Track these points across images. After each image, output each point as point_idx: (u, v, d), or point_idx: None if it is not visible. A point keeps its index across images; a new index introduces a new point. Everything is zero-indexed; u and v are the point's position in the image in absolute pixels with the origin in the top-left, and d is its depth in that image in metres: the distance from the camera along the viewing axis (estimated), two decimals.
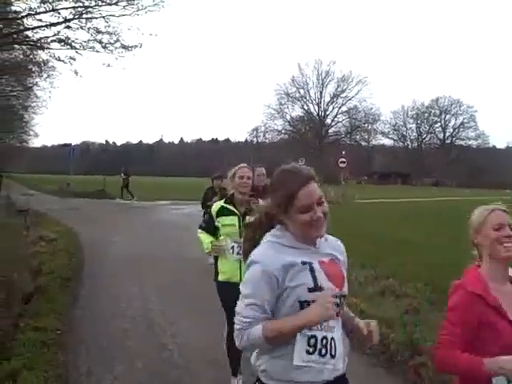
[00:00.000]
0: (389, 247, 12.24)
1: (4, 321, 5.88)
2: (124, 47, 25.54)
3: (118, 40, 25.26)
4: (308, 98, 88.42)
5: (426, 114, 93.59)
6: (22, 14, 24.95)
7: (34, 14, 24.31)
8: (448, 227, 16.79)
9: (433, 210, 25.87)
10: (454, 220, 19.34)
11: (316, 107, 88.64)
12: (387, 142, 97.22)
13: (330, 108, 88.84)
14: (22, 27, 25.76)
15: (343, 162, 34.88)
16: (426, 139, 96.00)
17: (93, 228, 15.97)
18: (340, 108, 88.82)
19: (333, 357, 2.13)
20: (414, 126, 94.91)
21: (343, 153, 38.41)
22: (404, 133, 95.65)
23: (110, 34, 25.15)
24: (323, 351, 2.11)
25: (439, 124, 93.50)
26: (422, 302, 7.33)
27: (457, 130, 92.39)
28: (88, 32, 25.13)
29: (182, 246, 13.38)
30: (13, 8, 25.86)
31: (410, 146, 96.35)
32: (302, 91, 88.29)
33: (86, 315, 6.89)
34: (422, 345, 5.46)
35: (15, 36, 26.56)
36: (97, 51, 25.69)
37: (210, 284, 9.01)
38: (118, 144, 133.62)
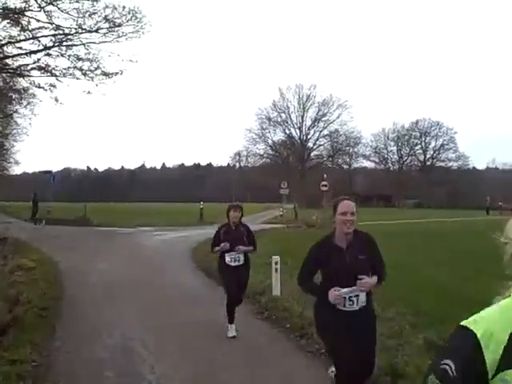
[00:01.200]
0: None
1: None
2: (105, 74, 25.58)
3: (98, 67, 25.33)
4: (289, 122, 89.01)
5: (407, 137, 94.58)
6: (2, 42, 24.93)
7: (14, 42, 24.31)
8: (431, 249, 16.88)
9: (415, 231, 25.98)
10: (436, 242, 19.52)
11: (297, 131, 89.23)
12: (369, 164, 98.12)
13: (312, 132, 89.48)
14: (1, 55, 25.71)
15: (325, 186, 35.02)
16: (407, 161, 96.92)
17: (73, 256, 15.78)
18: (321, 132, 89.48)
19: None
20: (394, 148, 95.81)
21: (325, 176, 38.59)
22: (385, 155, 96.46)
23: (90, 61, 25.21)
24: None
25: (420, 146, 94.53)
26: (403, 325, 7.31)
27: (437, 152, 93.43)
28: (68, 59, 25.14)
29: (165, 273, 13.31)
30: None
31: (391, 169, 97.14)
32: (283, 115, 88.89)
33: (64, 346, 6.75)
34: (403, 369, 5.44)
35: None
36: (77, 78, 25.70)
37: (193, 312, 8.96)
38: (100, 170, 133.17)
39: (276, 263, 9.65)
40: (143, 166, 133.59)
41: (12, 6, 22.67)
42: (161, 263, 15.03)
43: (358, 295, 4.27)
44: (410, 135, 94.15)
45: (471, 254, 15.32)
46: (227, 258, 7.54)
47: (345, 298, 4.19)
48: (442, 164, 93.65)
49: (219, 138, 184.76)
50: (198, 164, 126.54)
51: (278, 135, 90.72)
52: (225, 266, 7.59)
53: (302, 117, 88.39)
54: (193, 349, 6.77)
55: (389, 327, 7.19)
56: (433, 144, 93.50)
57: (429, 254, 15.76)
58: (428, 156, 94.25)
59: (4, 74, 29.37)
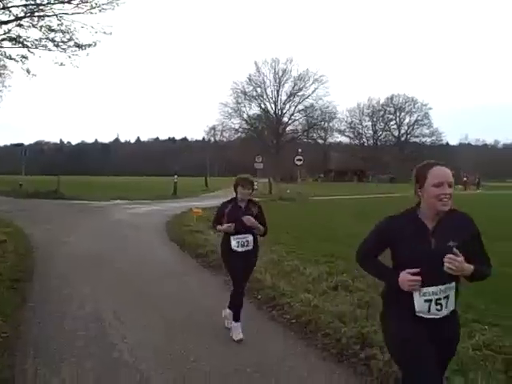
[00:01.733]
0: (343, 243, 12.36)
1: None
2: (78, 46, 25.28)
3: (71, 39, 25.01)
4: (265, 96, 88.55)
5: (382, 112, 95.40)
6: None
7: None
8: None
9: (387, 205, 26.27)
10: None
11: (273, 105, 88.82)
12: (343, 139, 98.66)
13: (287, 106, 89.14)
14: None
15: (300, 160, 35.13)
16: (382, 137, 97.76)
17: (46, 229, 15.67)
18: (297, 106, 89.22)
19: None
20: (369, 123, 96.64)
21: (299, 151, 38.68)
22: (360, 130, 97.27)
23: (63, 32, 24.86)
24: None
25: (394, 122, 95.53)
26: (373, 296, 7.42)
27: (411, 128, 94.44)
28: (40, 30, 24.75)
29: (138, 246, 13.28)
30: None
31: (366, 144, 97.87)
32: (258, 90, 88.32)
33: (35, 317, 6.71)
34: (371, 338, 5.54)
35: None
36: (49, 50, 25.35)
37: (166, 283, 8.98)
38: (73, 143, 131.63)
39: None
40: (117, 139, 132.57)
41: None
42: (134, 235, 15.00)
43: (447, 295, 3.17)
44: (385, 110, 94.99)
45: None
46: (233, 243, 6.23)
47: (430, 300, 3.12)
48: (417, 140, 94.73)
49: (194, 112, 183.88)
50: (173, 138, 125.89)
51: (254, 110, 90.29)
52: (230, 253, 6.28)
53: (278, 91, 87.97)
54: (166, 320, 6.80)
55: (359, 297, 7.33)
56: (407, 120, 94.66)
57: None
58: (402, 131, 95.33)
59: None
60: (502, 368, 4.81)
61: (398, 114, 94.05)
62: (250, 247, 6.28)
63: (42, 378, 4.79)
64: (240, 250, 6.22)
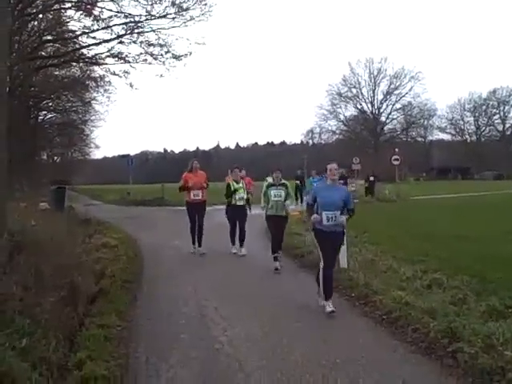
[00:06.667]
0: (441, 242, 12.29)
1: (71, 319, 6.42)
2: (174, 57, 26.46)
3: (168, 51, 26.24)
4: (361, 96, 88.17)
5: (484, 107, 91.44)
6: (77, 33, 26.26)
7: (88, 33, 25.55)
8: (505, 220, 16.56)
9: (491, 203, 25.46)
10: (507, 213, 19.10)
11: (369, 105, 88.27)
12: (445, 136, 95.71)
13: (384, 105, 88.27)
14: (77, 45, 27.09)
15: (397, 160, 34.72)
16: (485, 132, 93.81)
17: (152, 234, 16.59)
18: (394, 105, 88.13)
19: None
20: (471, 119, 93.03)
21: (396, 150, 38.24)
22: (461, 126, 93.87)
23: (160, 45, 26.15)
24: None
25: (498, 116, 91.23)
26: (467, 293, 7.47)
27: None
28: (140, 46, 26.18)
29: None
30: (68, 28, 27.29)
31: (468, 140, 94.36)
32: (354, 90, 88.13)
33: (145, 313, 7.39)
34: (460, 332, 5.68)
35: (72, 54, 27.95)
36: (149, 63, 26.74)
37: (265, 283, 9.43)
38: (176, 152, 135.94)
39: None
40: (218, 146, 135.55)
41: None
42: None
43: None
44: (488, 105, 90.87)
45: None
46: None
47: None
48: None
49: (292, 115, 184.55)
50: (272, 142, 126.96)
51: (350, 110, 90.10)
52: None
53: (374, 91, 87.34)
54: (262, 316, 7.20)
55: (452, 294, 7.41)
56: None
57: (501, 226, 15.48)
58: (507, 125, 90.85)
59: (81, 64, 30.88)
60: None
61: (501, 107, 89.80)
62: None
63: (153, 364, 5.37)
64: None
